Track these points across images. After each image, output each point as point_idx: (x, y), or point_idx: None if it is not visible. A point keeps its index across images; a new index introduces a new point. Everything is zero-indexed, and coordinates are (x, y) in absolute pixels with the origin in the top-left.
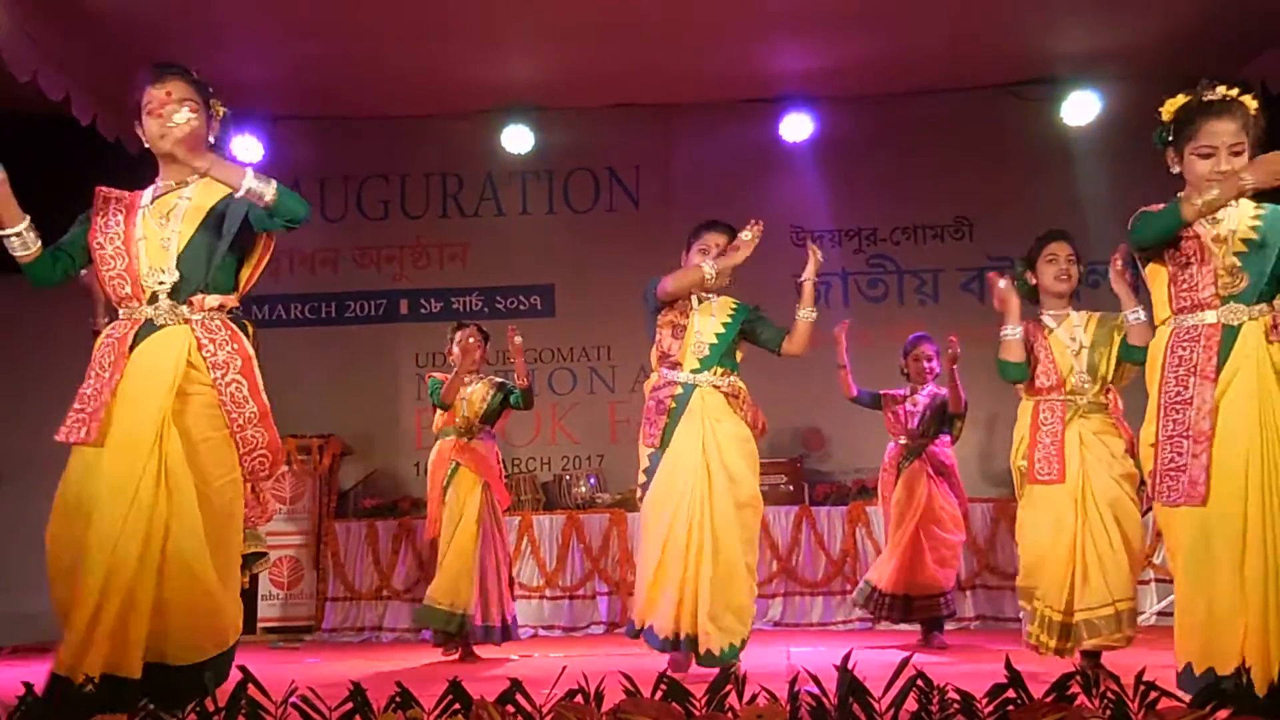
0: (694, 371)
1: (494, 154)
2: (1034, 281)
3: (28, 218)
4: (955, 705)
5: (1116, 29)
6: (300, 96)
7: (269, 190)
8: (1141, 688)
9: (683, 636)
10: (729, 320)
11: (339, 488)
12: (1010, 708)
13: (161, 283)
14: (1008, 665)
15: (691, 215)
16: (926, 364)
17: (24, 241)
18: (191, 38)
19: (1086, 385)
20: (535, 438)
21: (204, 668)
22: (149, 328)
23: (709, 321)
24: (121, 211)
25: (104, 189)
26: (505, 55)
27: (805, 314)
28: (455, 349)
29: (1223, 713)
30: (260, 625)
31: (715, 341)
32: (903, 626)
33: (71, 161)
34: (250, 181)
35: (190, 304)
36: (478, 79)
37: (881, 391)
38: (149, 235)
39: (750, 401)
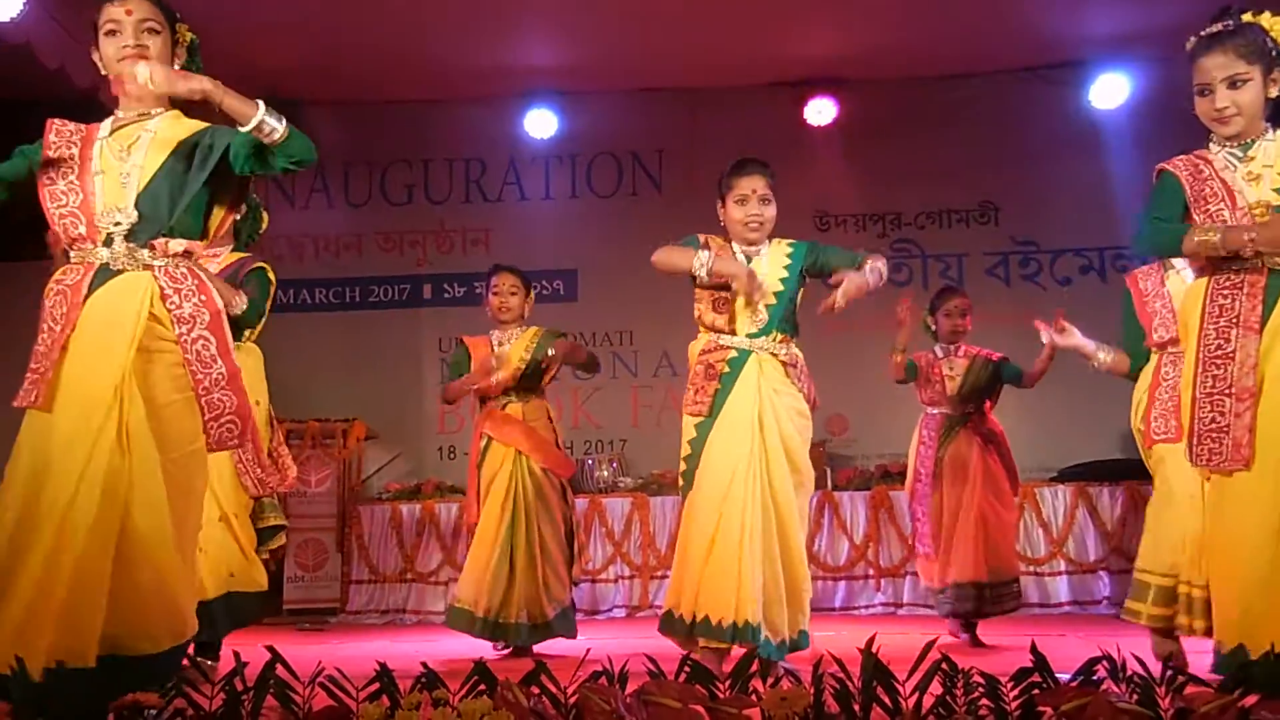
0: (750, 336)
1: (517, 138)
2: None
3: None
4: (980, 690)
5: (1147, 9)
6: (324, 82)
7: (281, 125)
8: (1169, 673)
9: (742, 624)
10: (786, 274)
11: (363, 471)
12: (1036, 692)
13: (118, 223)
14: (1033, 649)
15: (714, 199)
16: (960, 320)
17: None
18: (217, 22)
19: None
20: (557, 419)
21: (157, 661)
22: (105, 273)
23: (763, 277)
24: (76, 145)
25: (56, 120)
26: (528, 40)
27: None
28: (492, 297)
29: (1250, 698)
30: (285, 607)
31: (774, 302)
32: (926, 612)
33: None
34: (265, 114)
35: (152, 248)
36: (501, 63)
37: (913, 358)
38: (107, 169)
39: (806, 372)
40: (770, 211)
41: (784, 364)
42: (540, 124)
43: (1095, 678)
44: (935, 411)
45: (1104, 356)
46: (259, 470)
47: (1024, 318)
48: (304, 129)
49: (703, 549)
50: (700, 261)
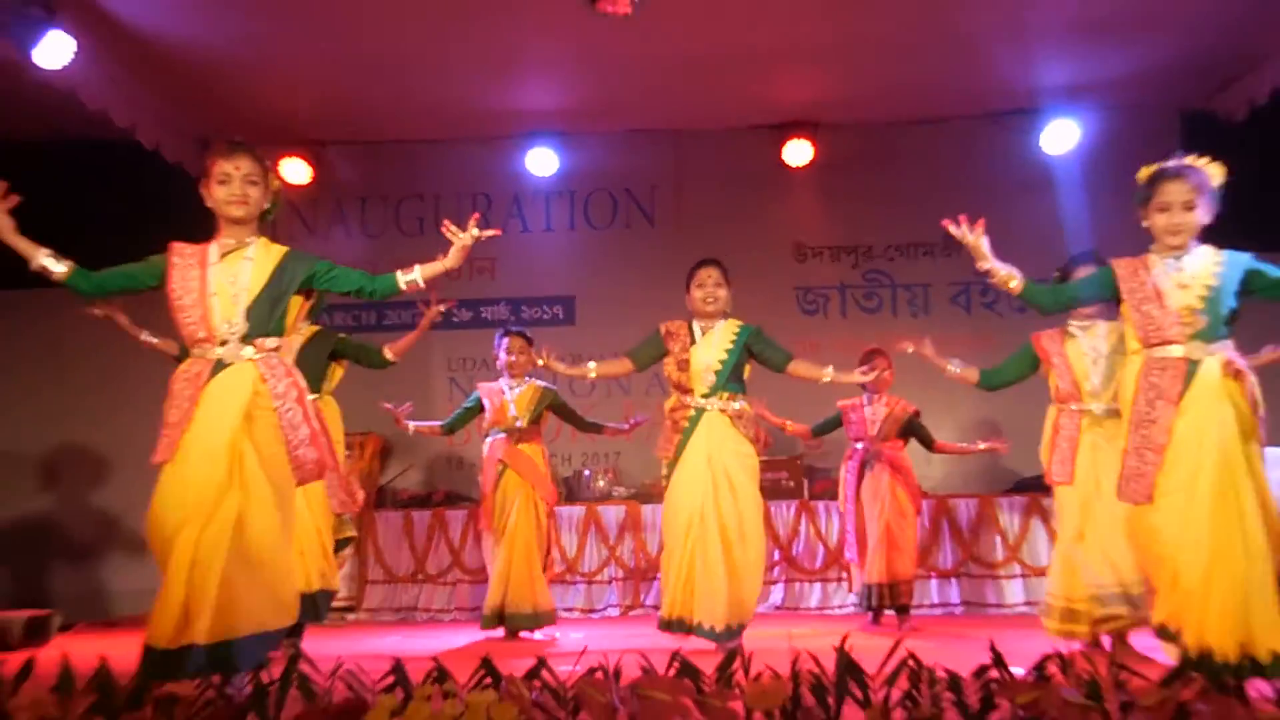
0: (704, 396)
1: (520, 176)
2: None
3: (45, 250)
4: (943, 684)
5: (1095, 63)
6: (345, 123)
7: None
8: (1114, 668)
9: (675, 619)
10: (731, 347)
11: (379, 481)
12: (993, 686)
13: (233, 331)
14: (991, 648)
15: (702, 232)
16: (883, 375)
17: (49, 269)
18: (248, 71)
19: (1101, 391)
20: (557, 436)
21: (268, 638)
22: (219, 366)
23: (711, 351)
24: (195, 267)
25: (177, 244)
26: (531, 85)
27: (830, 374)
28: (504, 355)
29: (1189, 690)
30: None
31: (720, 369)
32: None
33: (138, 182)
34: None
35: (254, 345)
36: (505, 107)
37: (839, 406)
38: (220, 292)
39: (752, 419)
40: (722, 293)
41: (731, 417)
42: (541, 162)
43: (1047, 673)
44: (859, 446)
45: (953, 368)
46: (341, 495)
47: (983, 342)
48: (326, 168)
49: (672, 570)
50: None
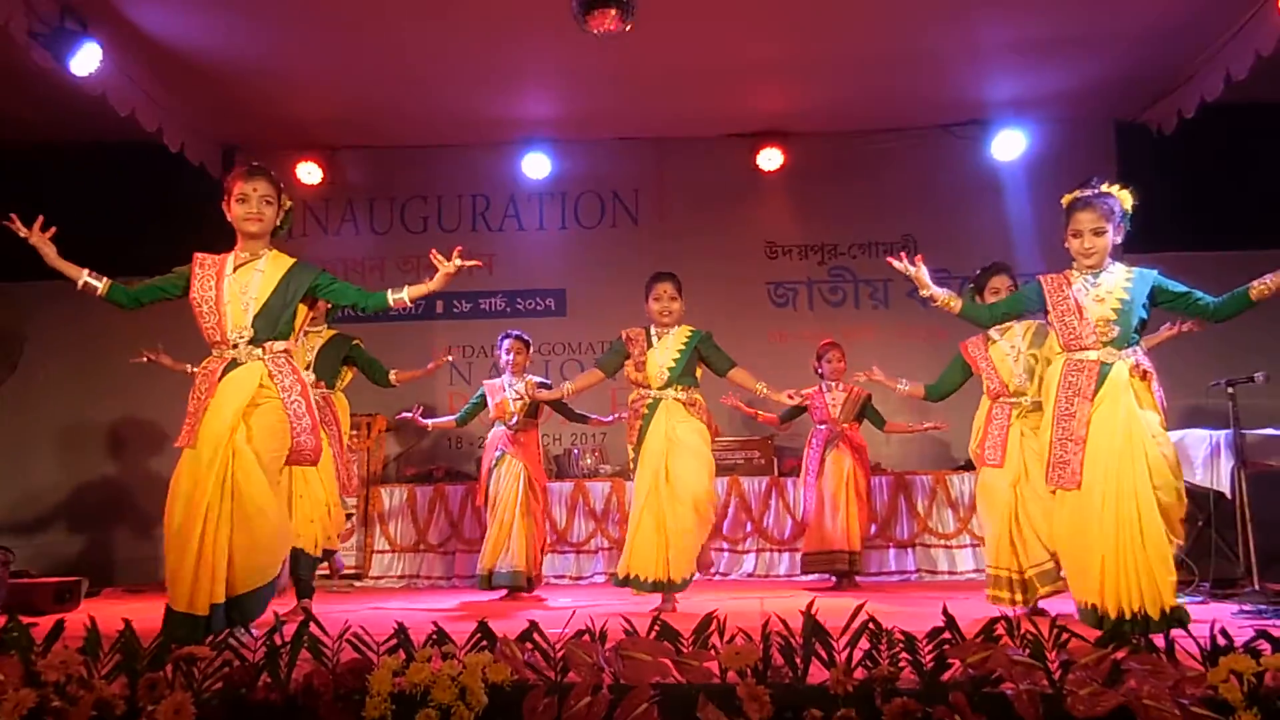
0: (659, 389)
1: (516, 179)
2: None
3: (85, 270)
4: (900, 645)
5: (1040, 79)
6: (355, 130)
7: (395, 300)
8: (1056, 631)
9: (627, 576)
10: (682, 349)
11: (384, 458)
12: (946, 647)
13: (242, 336)
14: (945, 612)
15: (682, 232)
16: (838, 365)
17: (91, 286)
18: (266, 80)
19: (1026, 385)
20: (549, 417)
21: (262, 590)
22: (233, 364)
23: (665, 354)
24: (212, 277)
25: (199, 255)
26: (527, 95)
27: (763, 389)
28: (505, 355)
29: (1121, 652)
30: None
31: (672, 366)
32: (860, 579)
33: (164, 181)
34: (409, 297)
35: (263, 348)
36: (503, 115)
37: (802, 394)
38: (233, 299)
39: (703, 408)
40: (676, 305)
41: (684, 404)
42: (536, 166)
43: (995, 635)
44: (822, 428)
45: (901, 386)
46: (342, 478)
47: (936, 331)
48: (337, 170)
49: (634, 535)
50: (567, 387)
